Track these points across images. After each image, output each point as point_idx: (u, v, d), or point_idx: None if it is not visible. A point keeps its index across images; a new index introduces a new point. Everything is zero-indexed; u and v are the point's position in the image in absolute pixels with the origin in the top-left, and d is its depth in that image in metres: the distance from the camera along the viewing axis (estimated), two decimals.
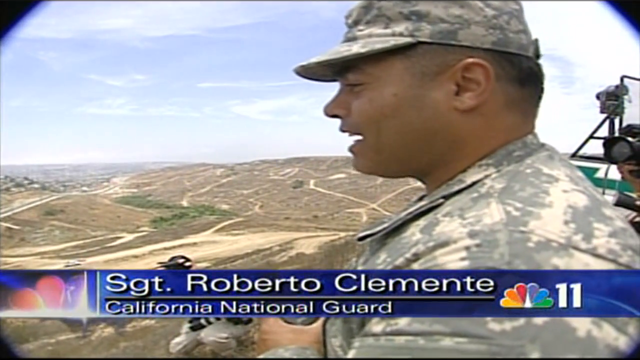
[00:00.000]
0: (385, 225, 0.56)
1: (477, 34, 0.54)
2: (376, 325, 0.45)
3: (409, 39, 0.54)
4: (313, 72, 0.62)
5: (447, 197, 0.53)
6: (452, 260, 0.43)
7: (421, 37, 0.54)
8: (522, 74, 0.56)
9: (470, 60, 0.53)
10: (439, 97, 0.55)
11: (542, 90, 0.59)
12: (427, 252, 0.45)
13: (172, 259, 4.24)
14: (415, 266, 0.46)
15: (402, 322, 0.43)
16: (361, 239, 0.59)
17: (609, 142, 2.04)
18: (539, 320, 0.39)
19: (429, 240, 0.46)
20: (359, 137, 0.60)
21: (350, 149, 0.63)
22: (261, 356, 0.68)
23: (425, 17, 0.54)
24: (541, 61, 0.59)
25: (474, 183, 0.53)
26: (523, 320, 0.39)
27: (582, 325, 0.39)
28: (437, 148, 0.56)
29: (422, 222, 0.52)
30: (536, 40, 0.58)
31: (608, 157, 2.05)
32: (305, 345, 0.66)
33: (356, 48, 0.56)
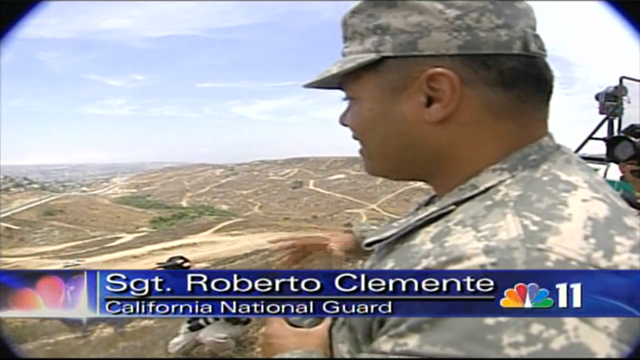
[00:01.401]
0: (394, 231, 0.53)
1: (439, 40, 0.51)
2: (385, 344, 0.44)
3: (373, 55, 0.54)
4: (327, 83, 0.63)
5: (458, 204, 0.51)
6: None
7: (384, 52, 0.53)
8: (504, 76, 0.51)
9: (432, 70, 0.51)
10: (408, 110, 0.54)
11: (544, 87, 0.54)
12: (439, 267, 0.44)
13: (171, 259, 4.24)
14: None
15: (412, 342, 0.41)
16: (368, 245, 0.57)
17: (611, 142, 2.04)
18: (556, 345, 0.37)
19: (441, 254, 0.44)
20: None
21: (360, 151, 0.64)
22: None
23: (387, 30, 0.53)
24: None
25: (487, 189, 0.50)
26: (540, 345, 0.38)
27: (602, 349, 0.38)
28: (419, 159, 0.56)
29: (432, 229, 0.49)
30: (525, 34, 0.51)
31: (611, 157, 2.05)
32: (310, 349, 0.66)
33: (335, 68, 0.57)
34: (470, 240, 0.43)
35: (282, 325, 0.71)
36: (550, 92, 0.55)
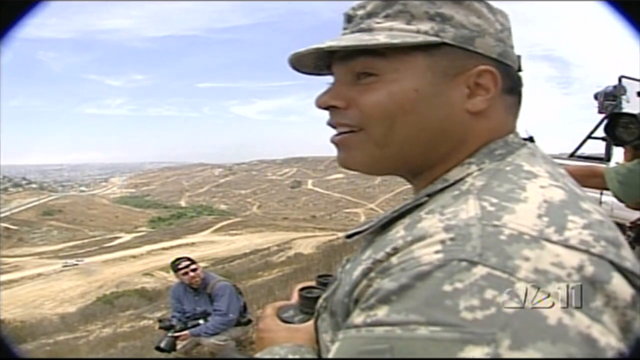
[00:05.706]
0: (372, 223, 0.58)
1: (489, 44, 0.58)
2: (357, 317, 0.46)
3: (435, 38, 0.56)
4: (301, 61, 0.63)
5: (430, 195, 0.55)
6: (427, 253, 0.44)
7: (445, 38, 0.56)
8: (514, 84, 0.61)
9: (484, 67, 0.57)
10: (455, 97, 0.57)
11: (521, 96, 0.64)
12: (406, 246, 0.47)
13: (177, 260, 4.22)
14: (394, 259, 0.47)
15: (381, 313, 0.44)
16: (349, 237, 0.62)
17: (611, 119, 1.86)
18: (509, 310, 0.40)
19: (408, 235, 0.48)
20: (355, 130, 0.60)
21: (338, 142, 0.62)
22: (258, 355, 0.69)
23: (448, 20, 0.57)
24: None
25: (456, 181, 0.55)
26: (494, 309, 0.40)
27: (553, 313, 0.40)
28: (443, 146, 0.58)
29: (407, 220, 0.53)
30: (519, 57, 0.63)
31: (612, 138, 1.90)
32: (299, 343, 0.68)
33: (384, 38, 0.56)
34: (434, 223, 0.48)
35: (273, 320, 0.75)
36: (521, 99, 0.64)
